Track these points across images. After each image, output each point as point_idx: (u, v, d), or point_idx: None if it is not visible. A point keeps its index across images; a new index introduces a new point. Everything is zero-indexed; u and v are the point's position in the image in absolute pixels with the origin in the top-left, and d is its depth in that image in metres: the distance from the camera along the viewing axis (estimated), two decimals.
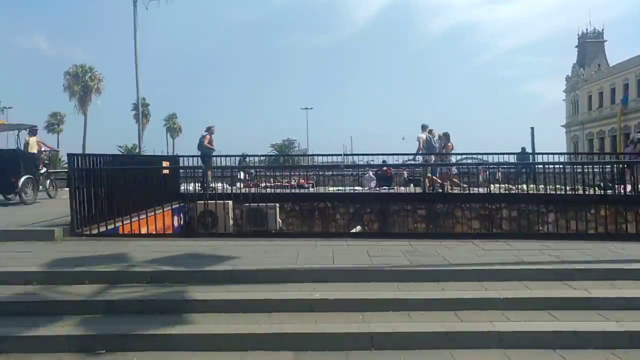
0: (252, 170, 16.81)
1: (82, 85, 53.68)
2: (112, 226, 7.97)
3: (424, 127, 14.63)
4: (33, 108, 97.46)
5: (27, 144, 12.20)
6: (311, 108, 59.47)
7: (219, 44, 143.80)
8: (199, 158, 14.10)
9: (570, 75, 56.97)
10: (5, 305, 4.57)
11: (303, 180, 16.36)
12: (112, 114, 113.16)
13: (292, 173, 15.62)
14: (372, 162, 17.99)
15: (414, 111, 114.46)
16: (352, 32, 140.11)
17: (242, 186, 12.86)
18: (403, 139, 51.15)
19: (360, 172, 17.95)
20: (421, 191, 13.43)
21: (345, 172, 17.47)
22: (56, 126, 63.04)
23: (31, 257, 5.86)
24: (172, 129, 62.27)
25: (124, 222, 8.00)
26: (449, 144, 14.74)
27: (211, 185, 11.62)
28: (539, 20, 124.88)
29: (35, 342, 4.04)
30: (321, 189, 15.36)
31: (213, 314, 4.42)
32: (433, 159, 14.26)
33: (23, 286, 4.96)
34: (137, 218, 8.19)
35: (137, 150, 54.17)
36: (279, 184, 15.05)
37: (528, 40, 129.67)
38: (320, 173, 17.07)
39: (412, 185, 16.80)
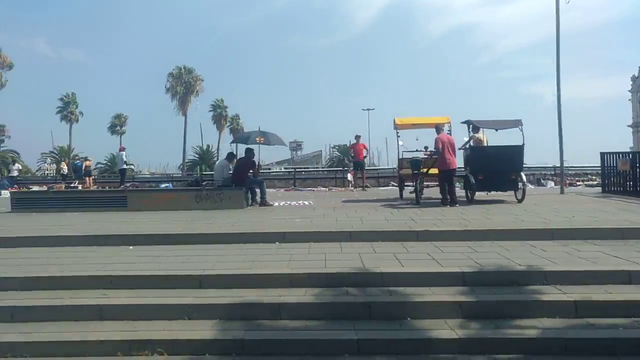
0: None
1: (184, 86, 53.28)
2: None
3: None
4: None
5: (479, 140, 11.31)
6: (373, 109, 58.02)
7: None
8: None
9: (637, 75, 57.74)
10: None
11: None
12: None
13: None
14: None
15: (415, 112, 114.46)
16: (352, 33, 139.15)
17: None
18: (417, 139, 51.53)
19: None
20: None
21: None
22: (119, 127, 61.89)
23: None
24: (235, 130, 60.19)
25: None
26: None
27: None
28: (539, 21, 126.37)
29: None
30: None
31: None
32: None
33: None
34: None
35: (215, 153, 53.35)
36: None
37: (528, 41, 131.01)
38: None
39: None
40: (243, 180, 10.71)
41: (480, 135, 11.68)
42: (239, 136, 12.70)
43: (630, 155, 12.58)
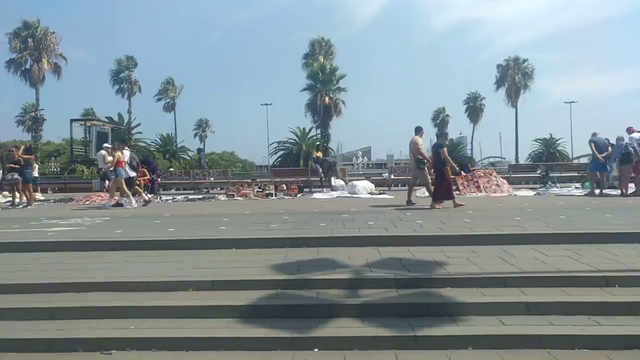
0: None
1: (519, 76, 53.86)
2: None
3: None
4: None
5: None
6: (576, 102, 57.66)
7: None
8: None
9: None
10: None
11: None
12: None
13: None
14: None
15: (418, 111, 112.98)
16: (352, 31, 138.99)
17: None
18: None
19: None
20: None
21: None
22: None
23: None
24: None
25: None
26: None
27: None
28: (542, 17, 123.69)
29: None
30: None
31: None
32: None
33: None
34: None
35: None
36: None
37: (531, 37, 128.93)
38: None
39: None
40: None
41: None
42: None
43: None
